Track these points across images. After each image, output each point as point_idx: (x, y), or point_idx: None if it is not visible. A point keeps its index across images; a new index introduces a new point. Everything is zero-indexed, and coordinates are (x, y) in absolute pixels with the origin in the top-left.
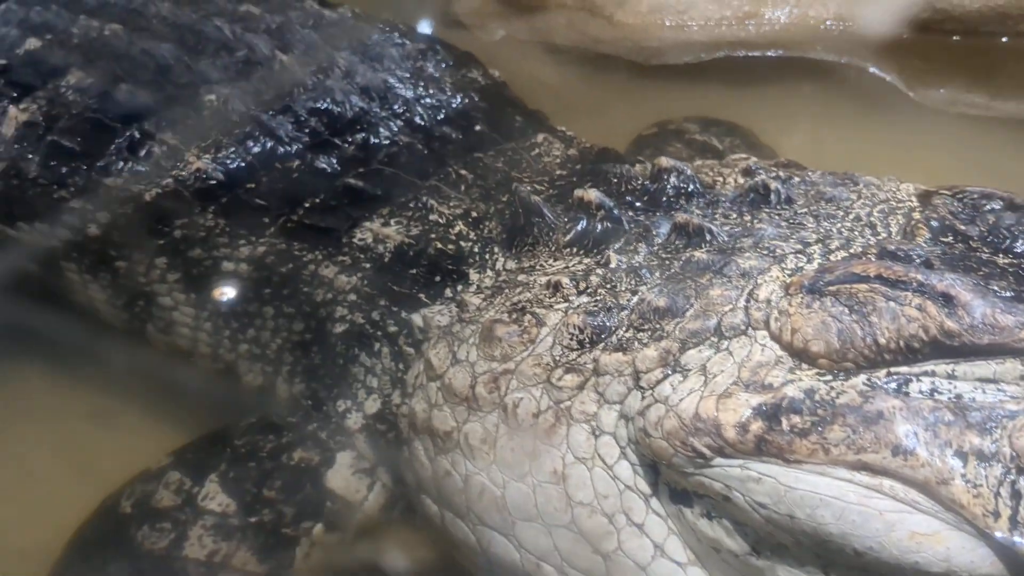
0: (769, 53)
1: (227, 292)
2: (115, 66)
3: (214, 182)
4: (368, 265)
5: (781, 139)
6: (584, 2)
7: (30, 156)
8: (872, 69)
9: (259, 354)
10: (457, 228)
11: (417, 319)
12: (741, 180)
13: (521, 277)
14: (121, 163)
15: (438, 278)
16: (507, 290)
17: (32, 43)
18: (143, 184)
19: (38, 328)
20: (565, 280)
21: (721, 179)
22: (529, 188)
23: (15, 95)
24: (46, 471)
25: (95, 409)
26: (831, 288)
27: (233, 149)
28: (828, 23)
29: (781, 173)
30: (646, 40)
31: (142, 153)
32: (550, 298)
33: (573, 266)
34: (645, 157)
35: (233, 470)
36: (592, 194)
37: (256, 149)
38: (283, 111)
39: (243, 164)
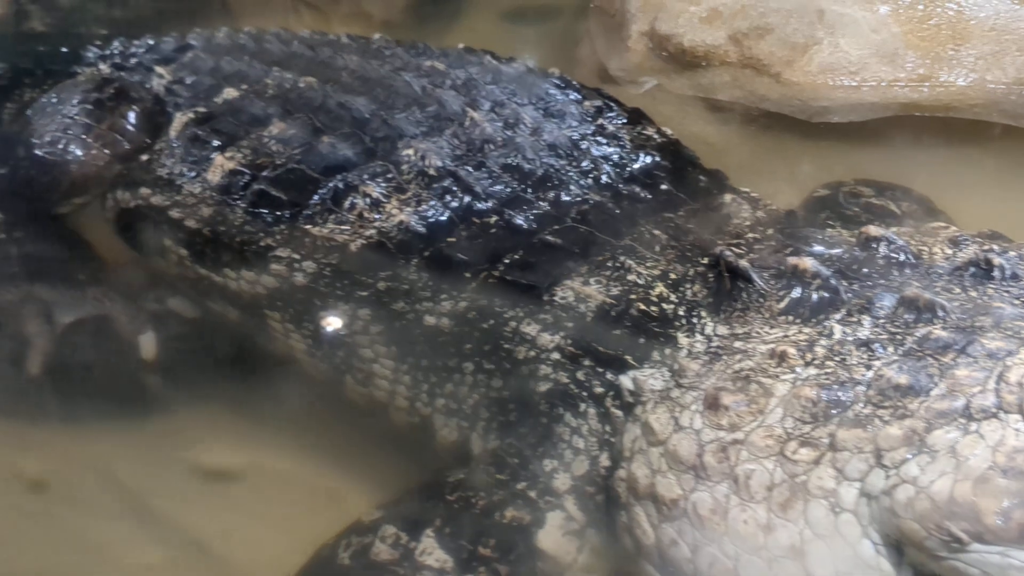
0: (941, 115)
1: (427, 346)
2: (314, 118)
3: (416, 235)
4: (570, 324)
5: (955, 205)
6: (749, 60)
7: (236, 203)
8: None
9: (456, 409)
10: (658, 289)
11: (626, 381)
12: (949, 251)
13: (738, 344)
14: (326, 213)
15: (643, 340)
16: (725, 357)
17: (230, 93)
18: (347, 235)
19: (233, 376)
20: (791, 350)
21: (926, 249)
22: (733, 252)
23: (219, 143)
24: (243, 526)
25: (290, 460)
26: None
27: (433, 203)
28: (1007, 88)
29: (995, 246)
30: (815, 99)
31: (346, 204)
32: (775, 368)
33: (793, 335)
34: (827, 220)
35: (448, 526)
36: (808, 262)
37: (454, 204)
38: (477, 167)
39: (443, 218)
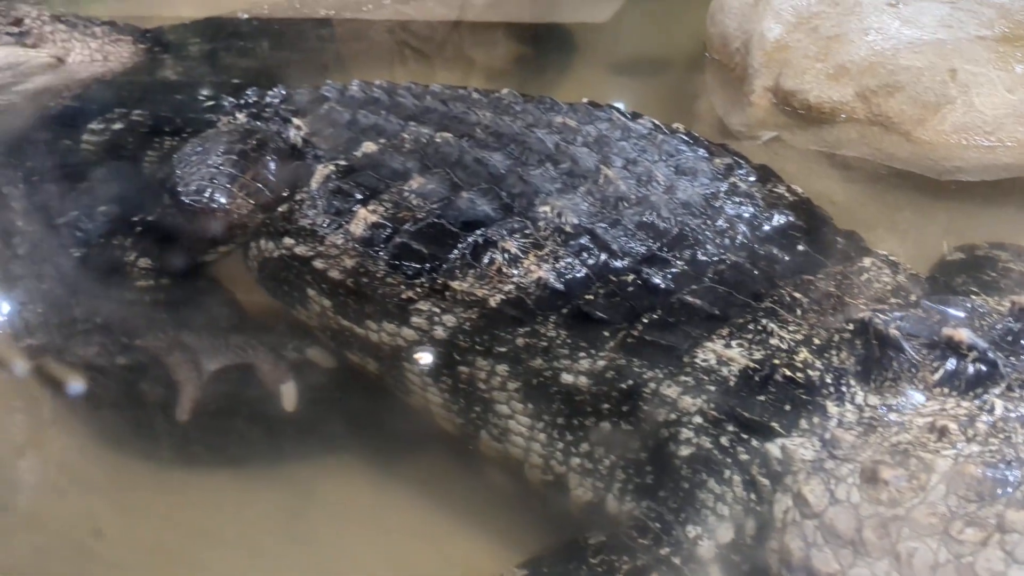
0: None
1: (564, 404)
2: (452, 173)
3: (554, 292)
4: (713, 388)
5: None
6: (878, 117)
7: (379, 256)
8: None
9: (591, 469)
10: (802, 355)
11: (773, 449)
12: None
13: (892, 416)
14: (465, 268)
15: (790, 407)
16: (880, 429)
17: (369, 146)
18: (486, 290)
19: (368, 428)
20: (952, 425)
21: None
22: (881, 319)
23: (361, 196)
24: None
25: (422, 515)
26: None
27: (570, 260)
28: None
29: None
30: (947, 159)
31: (485, 259)
32: (935, 443)
33: (952, 409)
34: (963, 285)
35: None
36: (963, 334)
37: (591, 261)
38: (613, 224)
39: (580, 275)
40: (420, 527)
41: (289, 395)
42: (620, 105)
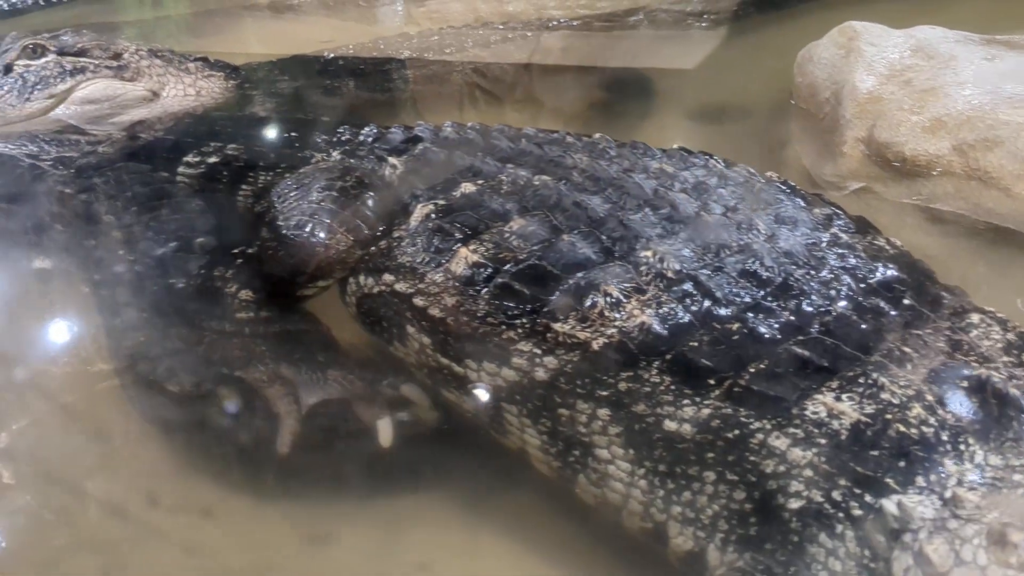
0: None
1: (666, 451)
2: (551, 216)
3: (658, 337)
4: (824, 441)
5: None
6: (975, 171)
7: (479, 295)
8: None
9: (693, 518)
10: (915, 411)
11: (890, 506)
12: None
13: (1016, 477)
14: (567, 310)
15: (905, 463)
16: (1005, 490)
17: (467, 187)
18: (588, 333)
19: (461, 467)
20: None
21: None
22: (1000, 378)
23: (461, 236)
24: None
25: (512, 558)
26: None
27: (673, 306)
28: None
29: None
30: None
31: (587, 302)
32: None
33: None
34: None
35: None
36: None
37: (694, 308)
38: (715, 271)
39: (684, 322)
40: (510, 571)
41: (385, 431)
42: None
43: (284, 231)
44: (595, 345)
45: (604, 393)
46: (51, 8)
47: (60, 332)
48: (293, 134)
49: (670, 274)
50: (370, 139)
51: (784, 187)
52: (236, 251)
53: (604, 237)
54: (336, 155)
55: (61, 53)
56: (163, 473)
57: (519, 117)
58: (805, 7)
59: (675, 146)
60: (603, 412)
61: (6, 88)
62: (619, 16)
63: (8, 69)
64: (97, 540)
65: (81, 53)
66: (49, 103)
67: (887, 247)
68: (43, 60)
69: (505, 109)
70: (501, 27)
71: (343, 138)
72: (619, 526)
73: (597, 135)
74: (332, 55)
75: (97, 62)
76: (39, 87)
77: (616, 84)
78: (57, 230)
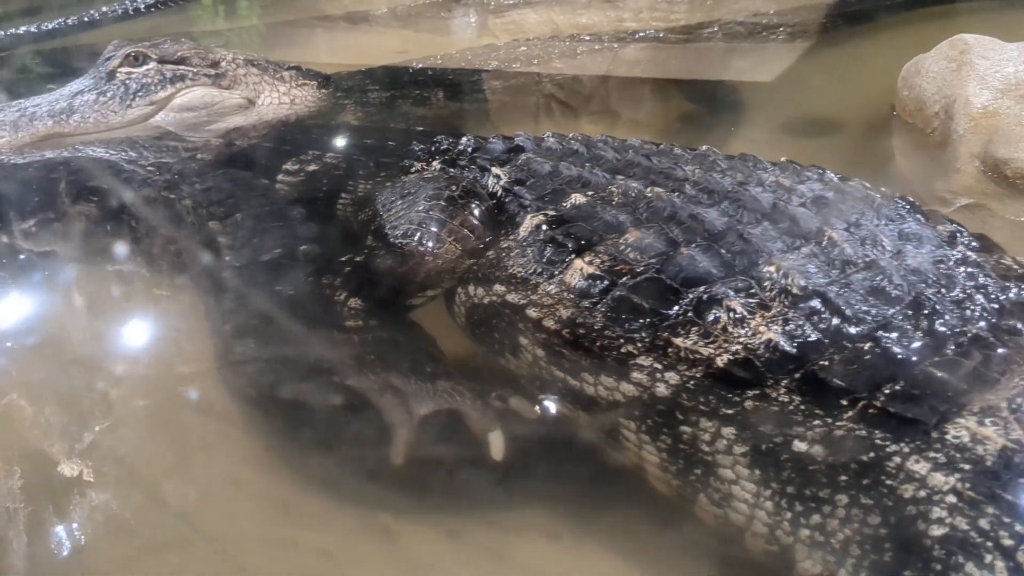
0: None
1: (796, 473)
2: (667, 228)
3: (786, 355)
4: (967, 467)
5: None
6: None
7: (596, 308)
8: None
9: (822, 542)
10: None
11: None
12: None
13: None
14: (688, 325)
15: None
16: None
17: (578, 198)
18: (712, 349)
19: (572, 482)
20: None
21: None
22: None
23: (575, 247)
24: None
25: (623, 572)
26: None
27: (801, 323)
28: None
29: None
30: None
31: (709, 317)
32: None
33: None
34: None
35: None
36: None
37: (822, 325)
38: (843, 288)
39: (813, 340)
40: None
41: (497, 444)
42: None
43: (393, 240)
44: (719, 362)
45: (729, 411)
46: (128, 20)
47: (144, 334)
48: (390, 143)
49: (795, 290)
50: (470, 149)
51: (903, 203)
52: (343, 259)
53: (724, 251)
54: (436, 165)
55: (162, 61)
56: (244, 476)
57: (595, 128)
58: (896, 20)
59: (783, 159)
60: (728, 431)
61: (109, 95)
62: (693, 28)
63: (111, 76)
64: (175, 541)
65: (181, 61)
66: (150, 110)
67: (1015, 266)
68: (144, 68)
69: (581, 120)
70: (588, 38)
71: (441, 148)
72: (740, 547)
73: (704, 147)
74: (420, 65)
75: (196, 70)
76: (140, 94)
77: (702, 95)
78: (160, 234)
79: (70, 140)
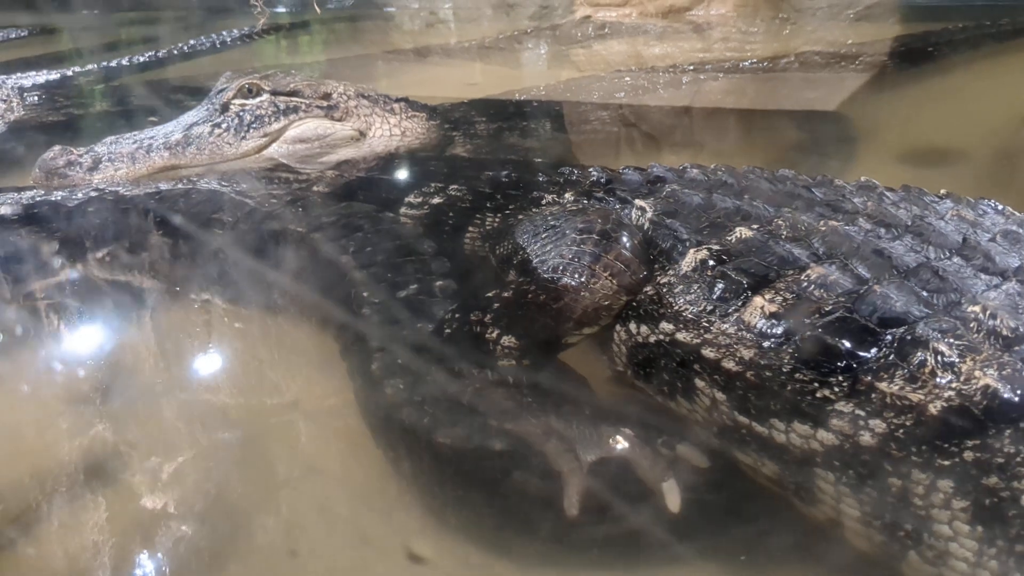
0: None
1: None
2: (850, 264)
3: (1007, 403)
4: None
5: None
6: None
7: (783, 349)
8: None
9: None
10: None
11: None
12: None
13: None
14: (891, 368)
15: None
16: None
17: (743, 232)
18: (921, 395)
19: (758, 536)
20: None
21: None
22: None
23: (750, 284)
24: None
25: None
26: None
27: (1019, 368)
28: None
29: None
30: None
31: (914, 361)
32: None
33: None
34: None
35: None
36: None
37: None
38: None
39: None
40: None
41: (673, 495)
42: None
43: (543, 274)
44: (932, 409)
45: (945, 462)
46: (193, 57)
47: (236, 364)
48: (513, 175)
49: (1006, 332)
50: (603, 180)
51: None
52: (490, 295)
53: (919, 289)
54: (569, 196)
55: (275, 93)
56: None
57: (677, 159)
58: (999, 49)
59: (942, 191)
60: (944, 483)
61: (223, 126)
62: (769, 59)
63: (225, 108)
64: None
65: (293, 93)
66: (263, 141)
67: None
68: (258, 99)
69: (663, 151)
70: (693, 69)
71: (571, 179)
72: None
73: (863, 177)
74: (522, 98)
75: (308, 102)
76: (254, 125)
77: (810, 125)
78: (287, 269)
79: (184, 172)
